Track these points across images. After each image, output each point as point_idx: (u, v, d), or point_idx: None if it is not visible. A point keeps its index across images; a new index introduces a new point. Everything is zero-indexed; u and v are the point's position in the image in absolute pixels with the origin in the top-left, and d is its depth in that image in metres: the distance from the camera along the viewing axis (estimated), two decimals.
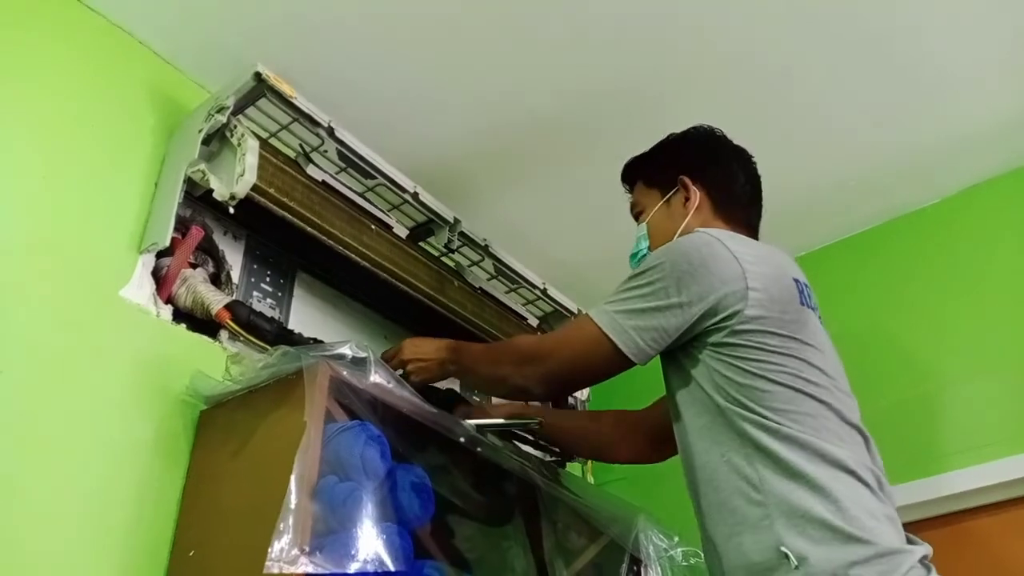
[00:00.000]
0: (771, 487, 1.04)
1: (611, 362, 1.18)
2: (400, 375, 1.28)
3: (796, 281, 1.20)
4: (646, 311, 1.15)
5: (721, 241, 1.17)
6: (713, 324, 1.13)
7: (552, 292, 1.93)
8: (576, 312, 1.98)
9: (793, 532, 1.00)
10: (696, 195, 1.32)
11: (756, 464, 1.06)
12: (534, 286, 1.90)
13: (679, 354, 1.19)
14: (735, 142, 1.40)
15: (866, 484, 1.06)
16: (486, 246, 1.77)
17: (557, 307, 1.96)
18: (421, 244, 1.72)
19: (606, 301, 1.20)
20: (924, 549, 1.04)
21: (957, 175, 1.89)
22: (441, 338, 1.41)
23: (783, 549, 1.00)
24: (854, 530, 1.00)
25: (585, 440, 1.58)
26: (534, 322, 1.95)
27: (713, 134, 1.39)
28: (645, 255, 1.31)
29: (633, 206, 1.43)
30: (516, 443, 1.53)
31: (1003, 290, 1.78)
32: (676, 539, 1.51)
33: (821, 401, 1.10)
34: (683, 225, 1.30)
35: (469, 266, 1.83)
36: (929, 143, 1.81)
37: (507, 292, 1.92)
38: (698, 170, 1.34)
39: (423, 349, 1.36)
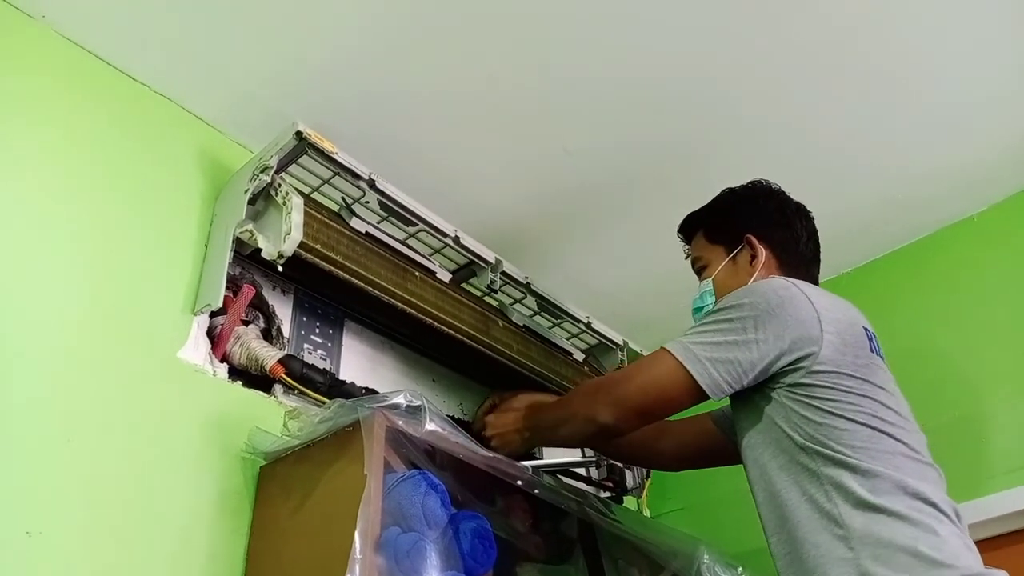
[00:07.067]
0: (853, 521, 1.06)
1: (685, 392, 1.19)
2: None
3: (865, 330, 1.23)
4: (722, 344, 1.17)
5: (798, 287, 1.21)
6: (789, 365, 1.15)
7: (596, 325, 1.93)
8: (621, 343, 1.98)
9: (878, 563, 1.02)
10: (762, 254, 1.35)
11: (836, 500, 1.08)
12: (578, 320, 1.90)
13: (754, 395, 1.20)
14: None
15: (946, 515, 1.07)
16: (528, 284, 1.78)
17: (602, 339, 1.96)
18: (464, 286, 1.73)
19: (683, 334, 1.22)
20: (1003, 574, 1.03)
21: (1003, 184, 1.87)
22: (528, 398, 1.46)
23: None
24: (936, 555, 1.01)
25: (636, 449, 1.56)
26: (579, 356, 1.94)
27: (776, 193, 1.43)
28: (710, 311, 1.32)
29: (695, 260, 1.46)
30: (571, 480, 1.53)
31: None
32: (740, 569, 1.49)
33: (898, 440, 1.12)
34: (750, 283, 1.31)
35: (512, 304, 1.84)
36: (972, 155, 1.79)
37: (551, 327, 1.92)
38: (764, 229, 1.38)
39: (503, 422, 1.41)
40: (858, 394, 1.13)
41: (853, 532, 1.05)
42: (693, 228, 1.49)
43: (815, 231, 1.43)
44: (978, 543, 1.11)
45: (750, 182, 1.46)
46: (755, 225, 1.39)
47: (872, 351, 1.21)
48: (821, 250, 1.44)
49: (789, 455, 1.14)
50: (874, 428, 1.11)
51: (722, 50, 1.54)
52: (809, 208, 1.46)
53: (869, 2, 1.47)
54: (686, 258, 1.50)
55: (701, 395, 1.18)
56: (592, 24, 1.48)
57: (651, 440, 1.52)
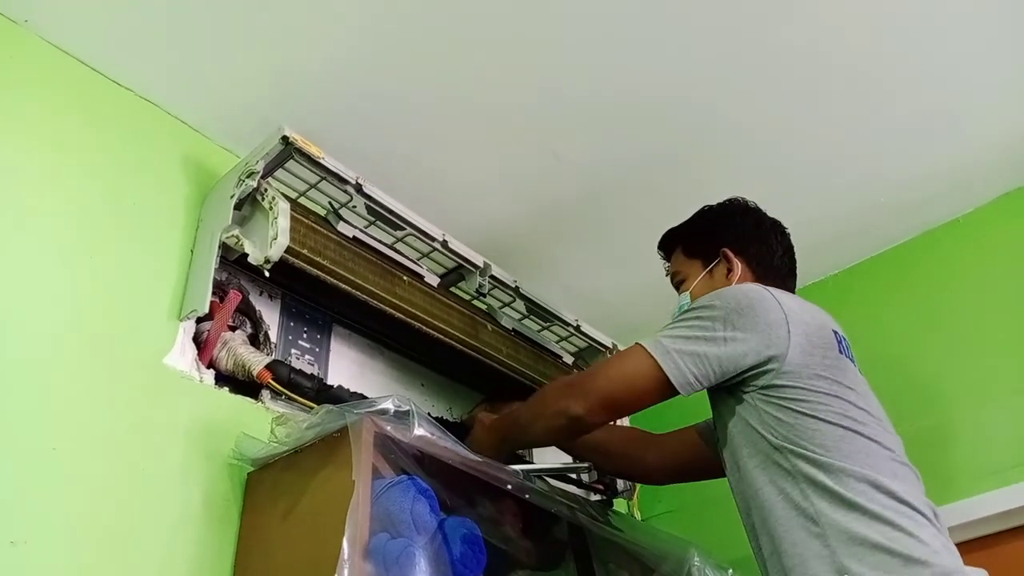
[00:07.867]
0: (829, 519, 1.07)
1: (652, 383, 1.21)
2: None
3: (835, 332, 1.25)
4: (691, 339, 1.21)
5: (768, 290, 1.25)
6: (758, 365, 1.18)
7: (585, 328, 1.93)
8: (611, 346, 1.98)
9: (854, 560, 1.04)
10: (738, 267, 1.39)
11: (812, 498, 1.10)
12: (567, 323, 1.90)
13: (729, 399, 1.23)
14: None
15: (922, 514, 1.09)
16: (516, 287, 1.78)
17: (591, 342, 1.96)
18: (452, 290, 1.73)
19: (657, 332, 1.25)
20: (982, 573, 1.05)
21: (989, 186, 1.88)
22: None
23: None
24: (912, 553, 1.03)
25: (623, 460, 1.58)
26: (569, 359, 1.94)
27: (752, 210, 1.46)
28: (684, 310, 1.34)
29: (674, 275, 1.50)
30: (562, 484, 1.53)
31: None
32: (730, 571, 1.50)
33: (871, 439, 1.14)
34: None
35: (501, 308, 1.84)
36: (959, 155, 1.80)
37: (540, 330, 1.92)
38: (740, 243, 1.41)
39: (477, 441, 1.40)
40: (828, 394, 1.16)
41: (828, 529, 1.07)
42: (672, 244, 1.52)
43: (791, 246, 1.46)
44: (959, 546, 1.12)
45: (727, 199, 1.49)
46: (731, 239, 1.42)
47: (841, 352, 1.23)
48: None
49: (765, 455, 1.16)
50: (845, 427, 1.14)
51: (707, 61, 1.55)
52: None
53: (852, 7, 1.47)
54: (666, 275, 1.53)
55: (669, 388, 1.20)
56: (581, 39, 1.48)
57: (638, 450, 1.54)
